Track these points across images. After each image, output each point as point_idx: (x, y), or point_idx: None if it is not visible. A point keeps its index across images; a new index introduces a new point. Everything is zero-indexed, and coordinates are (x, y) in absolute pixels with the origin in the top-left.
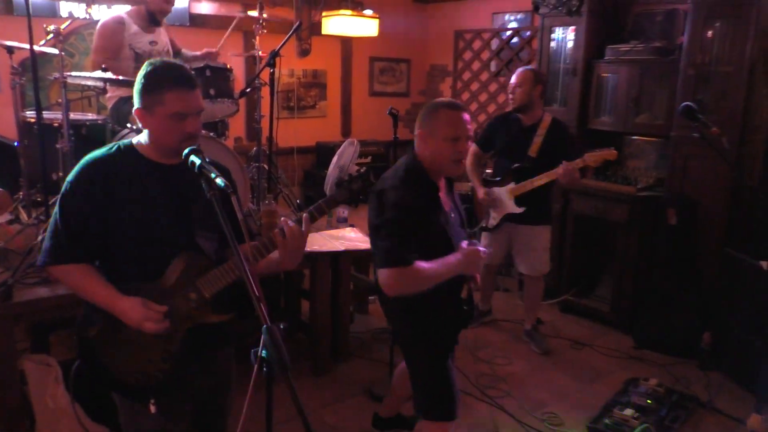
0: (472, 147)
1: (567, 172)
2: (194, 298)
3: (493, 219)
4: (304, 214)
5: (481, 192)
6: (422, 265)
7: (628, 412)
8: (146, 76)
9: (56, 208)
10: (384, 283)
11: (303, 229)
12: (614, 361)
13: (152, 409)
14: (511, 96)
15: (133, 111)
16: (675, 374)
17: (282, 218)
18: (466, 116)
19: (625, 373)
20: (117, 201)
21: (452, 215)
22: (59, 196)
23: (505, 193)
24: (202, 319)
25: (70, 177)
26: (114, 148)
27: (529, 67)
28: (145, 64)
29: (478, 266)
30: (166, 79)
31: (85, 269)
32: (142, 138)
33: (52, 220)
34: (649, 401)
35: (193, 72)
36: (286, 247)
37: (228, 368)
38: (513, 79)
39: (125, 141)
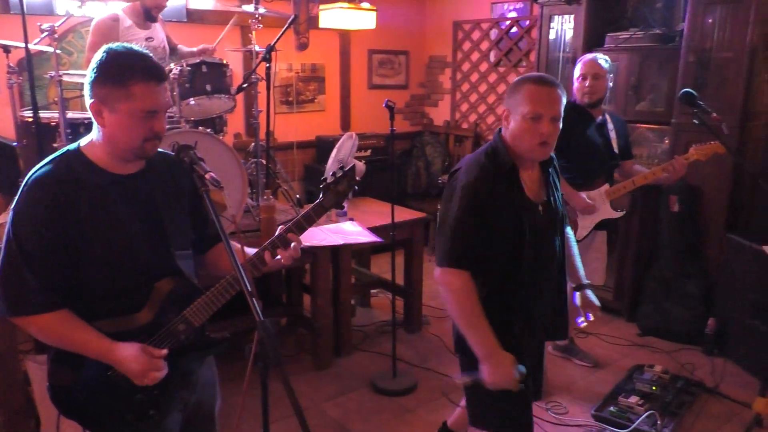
0: None
1: (681, 169)
2: (183, 330)
3: (584, 228)
4: (289, 234)
5: (581, 199)
6: (471, 292)
7: (633, 399)
8: (107, 64)
9: (8, 245)
10: (437, 279)
11: (292, 246)
12: (618, 348)
13: None
14: (587, 88)
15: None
16: (680, 360)
17: (279, 228)
18: (557, 92)
19: (629, 360)
20: (81, 225)
21: (540, 209)
22: (8, 231)
23: (598, 196)
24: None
25: (17, 205)
26: (59, 160)
27: (599, 55)
28: (103, 49)
29: (499, 384)
30: (136, 69)
31: (64, 317)
32: (94, 140)
33: (4, 259)
34: (654, 388)
35: (189, 68)
36: (276, 263)
37: (211, 374)
38: (586, 68)
39: (71, 146)
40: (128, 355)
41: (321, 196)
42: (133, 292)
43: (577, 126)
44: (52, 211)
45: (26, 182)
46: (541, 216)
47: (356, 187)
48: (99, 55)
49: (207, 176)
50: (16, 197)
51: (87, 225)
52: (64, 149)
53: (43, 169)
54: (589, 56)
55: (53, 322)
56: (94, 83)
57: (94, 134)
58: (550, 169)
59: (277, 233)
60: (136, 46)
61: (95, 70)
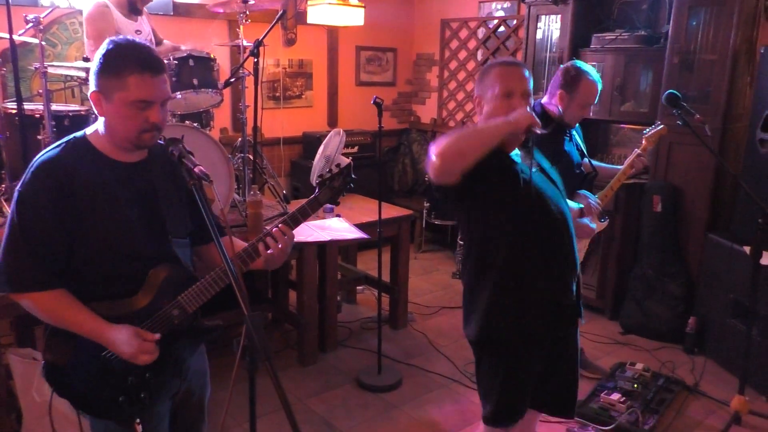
0: None
1: (643, 161)
2: (177, 315)
3: (582, 251)
4: (282, 225)
5: (586, 227)
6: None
7: (615, 396)
8: (107, 55)
9: (11, 225)
10: (432, 174)
11: (286, 239)
12: (601, 346)
13: (138, 429)
14: (585, 116)
15: (88, 94)
16: (661, 359)
17: (268, 227)
18: (523, 71)
19: (611, 358)
20: (82, 210)
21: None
22: (13, 210)
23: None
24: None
25: (22, 187)
26: (66, 146)
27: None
28: (106, 41)
29: (524, 118)
30: (131, 60)
31: (61, 296)
32: (99, 129)
33: (7, 238)
34: (635, 385)
35: (176, 62)
36: (269, 256)
37: (202, 364)
38: (596, 95)
39: (78, 134)
40: (121, 337)
41: (317, 190)
42: (129, 277)
43: (563, 144)
44: (55, 195)
45: (33, 165)
46: (538, 180)
47: (352, 185)
48: (104, 46)
49: (196, 170)
50: (22, 179)
51: (88, 209)
52: (71, 136)
53: (49, 153)
54: (593, 76)
55: (50, 300)
56: (96, 74)
57: (99, 124)
58: (530, 144)
59: (272, 227)
60: (139, 40)
61: (98, 61)
